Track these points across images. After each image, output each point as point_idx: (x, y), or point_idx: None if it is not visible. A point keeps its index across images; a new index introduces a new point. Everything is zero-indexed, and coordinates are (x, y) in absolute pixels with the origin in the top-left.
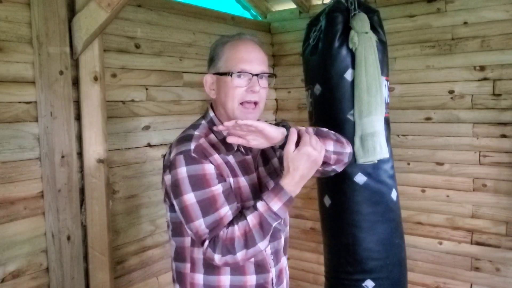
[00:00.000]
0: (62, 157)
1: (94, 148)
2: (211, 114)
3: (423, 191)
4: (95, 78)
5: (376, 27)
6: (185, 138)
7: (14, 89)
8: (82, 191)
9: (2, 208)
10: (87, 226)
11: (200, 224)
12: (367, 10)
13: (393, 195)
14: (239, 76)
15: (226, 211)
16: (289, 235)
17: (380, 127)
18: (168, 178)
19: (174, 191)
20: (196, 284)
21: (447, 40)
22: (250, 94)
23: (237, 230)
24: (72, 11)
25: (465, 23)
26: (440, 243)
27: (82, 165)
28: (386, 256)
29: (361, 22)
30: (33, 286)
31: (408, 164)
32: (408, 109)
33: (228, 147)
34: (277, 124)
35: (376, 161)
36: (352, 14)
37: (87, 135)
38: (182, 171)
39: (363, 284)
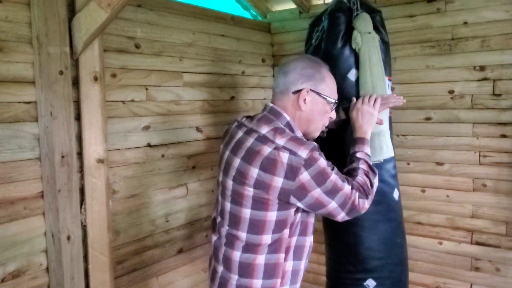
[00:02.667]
0: (62, 157)
1: (94, 148)
2: (288, 118)
3: (423, 191)
4: (95, 78)
5: (379, 27)
6: (298, 139)
7: (14, 89)
8: (82, 191)
9: (2, 208)
10: (87, 226)
11: (347, 187)
12: (369, 10)
13: (395, 194)
14: (335, 105)
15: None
16: None
17: (385, 126)
18: (306, 175)
19: (319, 179)
20: (287, 270)
21: (447, 40)
22: (327, 120)
23: (361, 177)
24: (72, 11)
25: (465, 23)
26: (440, 243)
27: (82, 165)
28: (388, 255)
29: (364, 22)
30: (33, 286)
31: (408, 164)
32: (408, 109)
33: None
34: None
35: (382, 160)
36: (355, 14)
37: (87, 135)
38: (322, 161)
39: (365, 283)
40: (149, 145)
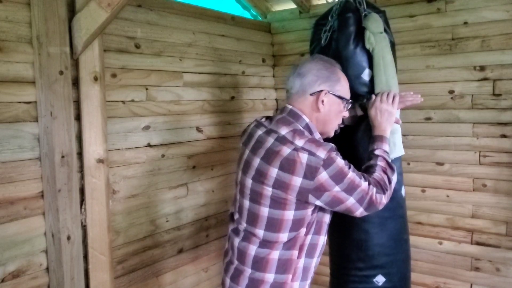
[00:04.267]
0: (62, 157)
1: (94, 148)
2: (307, 120)
3: (423, 191)
4: (95, 78)
5: (385, 27)
6: (316, 141)
7: (14, 89)
8: (82, 191)
9: (2, 208)
10: (87, 226)
11: (364, 183)
12: (374, 10)
13: (403, 191)
14: (350, 105)
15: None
16: None
17: (397, 125)
18: (324, 174)
19: (338, 178)
20: (299, 267)
21: (447, 40)
22: (341, 119)
23: (379, 173)
24: (72, 11)
25: (465, 23)
26: (440, 243)
27: (82, 165)
28: (396, 251)
29: (376, 22)
30: (33, 286)
31: (408, 164)
32: (408, 109)
33: None
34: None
35: (393, 158)
36: (363, 14)
37: (87, 135)
38: (340, 161)
39: (374, 280)
40: (149, 145)
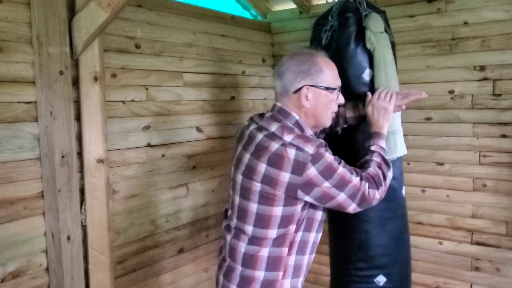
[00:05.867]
0: (62, 157)
1: (94, 148)
2: (296, 117)
3: (423, 191)
4: (95, 78)
5: (385, 27)
6: (305, 137)
7: (14, 89)
8: (82, 191)
9: (2, 208)
10: (87, 226)
11: (355, 179)
12: (374, 10)
13: (403, 191)
14: (339, 91)
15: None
16: None
17: (399, 124)
18: (313, 170)
19: (327, 173)
20: (289, 264)
21: (448, 40)
22: (336, 107)
23: (373, 168)
24: (72, 11)
25: (466, 23)
26: (440, 243)
27: (82, 165)
28: (397, 251)
29: (376, 22)
30: (33, 286)
31: (408, 164)
32: (408, 109)
33: None
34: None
35: (395, 158)
36: (363, 14)
37: (87, 135)
38: (329, 156)
39: (375, 280)
40: (149, 145)
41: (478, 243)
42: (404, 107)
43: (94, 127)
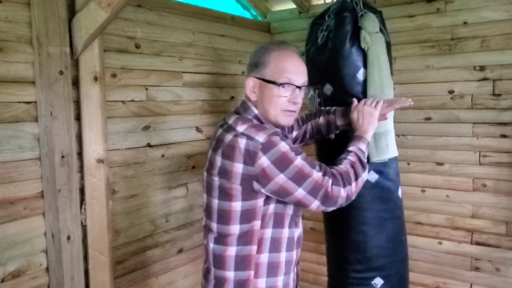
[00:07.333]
0: (62, 157)
1: (94, 148)
2: (256, 111)
3: (423, 191)
4: (95, 78)
5: (381, 27)
6: (259, 126)
7: (14, 89)
8: (82, 191)
9: (2, 208)
10: (87, 226)
11: (316, 174)
12: (370, 10)
13: (399, 192)
14: (283, 87)
15: (317, 160)
16: None
17: (391, 125)
18: (264, 160)
19: (281, 164)
20: (261, 263)
21: (447, 40)
22: (292, 105)
23: (345, 166)
24: (72, 11)
25: (465, 23)
26: (440, 243)
27: (82, 165)
28: (395, 252)
29: (372, 22)
30: (33, 286)
31: (408, 164)
32: (408, 109)
33: None
34: (321, 111)
35: (387, 160)
36: (360, 14)
37: (87, 135)
38: (283, 145)
39: (373, 282)
40: (149, 145)
41: (478, 243)
42: (387, 116)
43: (94, 127)
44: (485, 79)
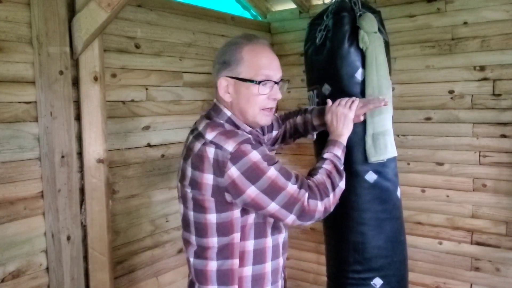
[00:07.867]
0: (62, 157)
1: (94, 148)
2: (229, 113)
3: (423, 191)
4: (95, 78)
5: (380, 27)
6: (230, 133)
7: (14, 89)
8: (82, 191)
9: (2, 208)
10: (87, 226)
11: (291, 186)
12: (369, 10)
13: (398, 193)
14: (264, 84)
15: (294, 171)
16: (289, 234)
17: (390, 125)
18: (234, 170)
19: (252, 175)
20: (245, 276)
21: (447, 40)
22: (272, 102)
23: (321, 176)
24: (72, 11)
25: (465, 23)
26: (440, 243)
27: (82, 165)
28: (394, 253)
29: (370, 22)
30: (33, 286)
31: (408, 164)
32: (408, 109)
33: None
34: (300, 110)
35: (385, 160)
36: (358, 14)
37: (87, 135)
38: (255, 154)
39: (372, 283)
40: (149, 145)
41: (478, 243)
42: (362, 118)
43: (94, 127)
44: (485, 79)
